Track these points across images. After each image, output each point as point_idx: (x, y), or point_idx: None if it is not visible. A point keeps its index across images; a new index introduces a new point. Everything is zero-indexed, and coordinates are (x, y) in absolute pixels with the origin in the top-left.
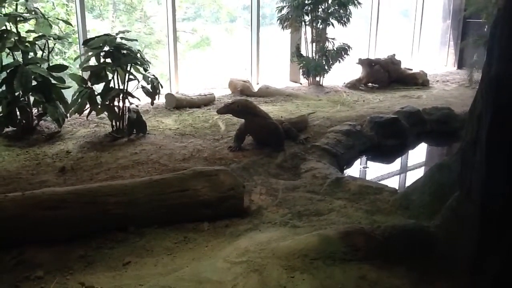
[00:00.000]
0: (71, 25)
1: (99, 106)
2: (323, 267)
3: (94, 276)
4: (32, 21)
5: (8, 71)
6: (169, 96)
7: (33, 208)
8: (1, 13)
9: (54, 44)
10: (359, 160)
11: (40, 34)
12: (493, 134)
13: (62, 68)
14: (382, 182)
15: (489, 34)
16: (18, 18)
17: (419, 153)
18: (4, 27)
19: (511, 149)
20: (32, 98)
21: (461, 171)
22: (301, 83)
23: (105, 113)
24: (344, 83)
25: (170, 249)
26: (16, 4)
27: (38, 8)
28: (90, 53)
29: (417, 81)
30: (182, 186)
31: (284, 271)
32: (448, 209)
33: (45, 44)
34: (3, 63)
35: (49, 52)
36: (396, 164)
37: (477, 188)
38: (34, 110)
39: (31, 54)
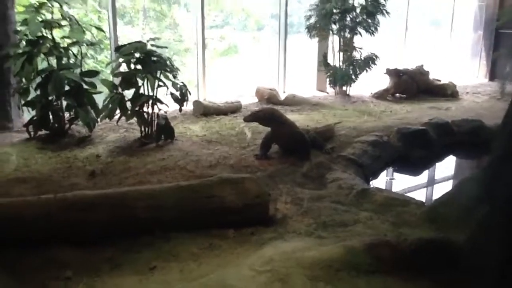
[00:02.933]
0: (103, 31)
1: (129, 112)
2: (348, 278)
3: (121, 279)
4: (67, 27)
5: (43, 75)
6: (196, 103)
7: (64, 209)
8: (38, 20)
9: (87, 50)
10: (385, 171)
11: (74, 40)
12: None
13: (94, 73)
14: (409, 194)
15: None
16: (53, 25)
17: (447, 166)
18: (40, 33)
19: None
20: (64, 103)
21: (491, 185)
22: (327, 92)
23: (135, 118)
24: (371, 93)
25: (195, 255)
26: (52, 11)
27: (72, 15)
28: (121, 60)
29: (446, 92)
30: (209, 192)
31: (308, 281)
32: (476, 223)
33: (78, 50)
34: (39, 68)
35: (82, 58)
36: (424, 176)
37: (507, 203)
38: (66, 114)
39: (65, 59)
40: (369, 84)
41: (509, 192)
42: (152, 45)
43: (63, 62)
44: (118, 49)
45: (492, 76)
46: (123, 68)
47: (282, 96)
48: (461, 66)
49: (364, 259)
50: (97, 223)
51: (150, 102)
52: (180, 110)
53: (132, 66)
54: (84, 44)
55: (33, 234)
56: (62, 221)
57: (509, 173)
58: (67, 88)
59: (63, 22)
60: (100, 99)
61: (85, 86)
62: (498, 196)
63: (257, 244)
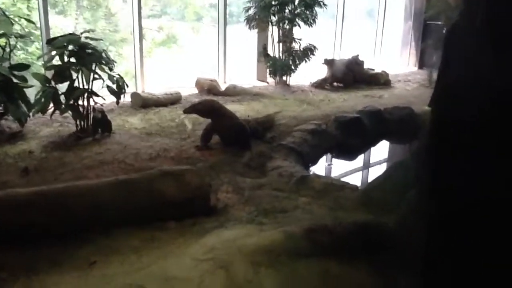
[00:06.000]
0: (33, 23)
1: (63, 106)
2: (288, 262)
3: (60, 277)
4: None
5: None
6: (135, 95)
7: None
8: None
9: (16, 42)
10: (324, 158)
11: (1, 32)
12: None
13: (24, 67)
14: (345, 179)
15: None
16: None
17: (380, 151)
18: None
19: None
20: None
21: (417, 170)
22: (268, 83)
23: (69, 112)
24: (311, 82)
25: (136, 248)
26: None
27: None
28: (53, 53)
29: (379, 81)
30: (149, 186)
31: (250, 267)
32: (404, 206)
33: (6, 43)
34: None
35: (10, 51)
36: (359, 161)
37: (432, 188)
38: None
39: None
40: (308, 74)
41: (435, 178)
42: (86, 37)
43: None
44: (50, 41)
45: (421, 64)
46: (56, 61)
47: (222, 87)
48: (393, 55)
49: (303, 244)
50: (33, 222)
51: (85, 95)
52: (117, 102)
53: (66, 59)
54: (13, 36)
55: None
56: None
57: (433, 159)
58: None
59: None
60: (31, 93)
61: (15, 80)
62: (424, 181)
63: (198, 234)
